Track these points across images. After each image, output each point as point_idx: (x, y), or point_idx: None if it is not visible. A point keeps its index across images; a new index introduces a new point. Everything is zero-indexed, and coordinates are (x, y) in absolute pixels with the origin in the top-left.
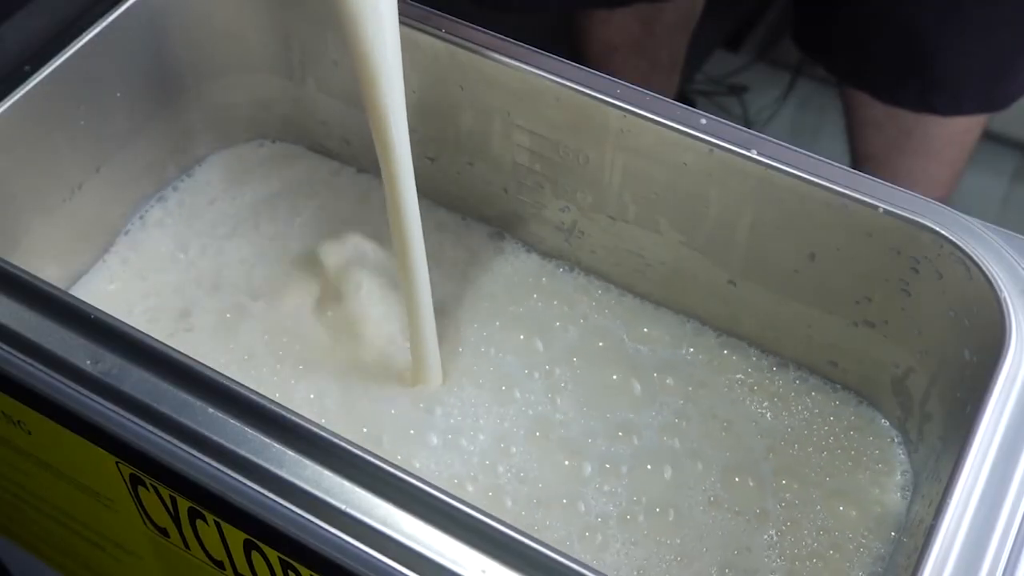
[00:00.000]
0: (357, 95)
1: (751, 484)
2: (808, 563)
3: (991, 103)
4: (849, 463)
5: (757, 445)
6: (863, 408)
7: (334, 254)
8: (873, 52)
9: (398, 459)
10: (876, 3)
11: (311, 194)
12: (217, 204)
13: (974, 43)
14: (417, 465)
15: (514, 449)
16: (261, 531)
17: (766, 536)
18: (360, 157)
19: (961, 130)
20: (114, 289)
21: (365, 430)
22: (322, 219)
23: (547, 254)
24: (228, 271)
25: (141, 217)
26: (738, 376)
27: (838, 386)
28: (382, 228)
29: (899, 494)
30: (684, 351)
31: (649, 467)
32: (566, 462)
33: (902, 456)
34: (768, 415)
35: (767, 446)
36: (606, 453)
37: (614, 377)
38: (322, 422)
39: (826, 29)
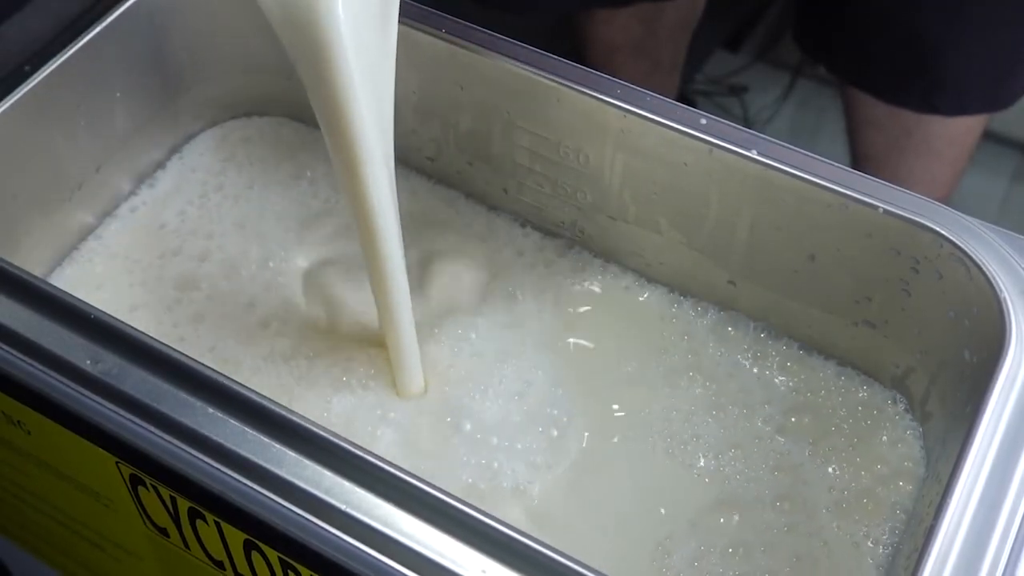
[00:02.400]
0: None
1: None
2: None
3: (994, 103)
4: (868, 421)
5: (774, 398)
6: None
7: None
8: (875, 52)
9: None
10: (878, 4)
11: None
12: (209, 182)
13: (977, 43)
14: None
15: (519, 446)
16: (261, 531)
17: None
18: None
19: (962, 130)
20: (104, 272)
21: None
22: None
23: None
24: (216, 256)
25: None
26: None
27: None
28: None
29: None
30: (686, 331)
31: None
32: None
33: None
34: (778, 380)
35: (782, 399)
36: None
37: (608, 357)
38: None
39: (828, 30)
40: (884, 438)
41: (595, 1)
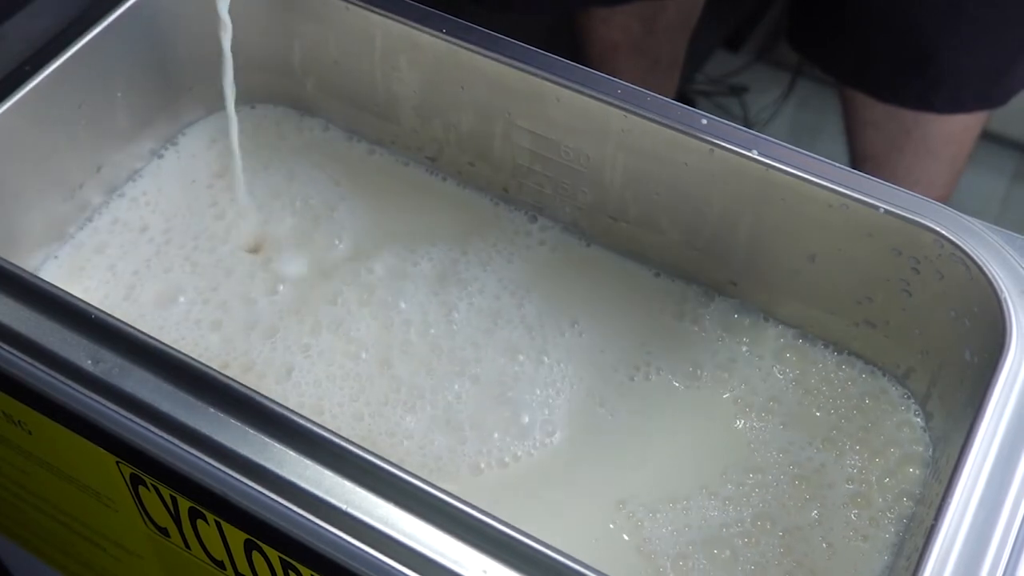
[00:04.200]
0: (358, 95)
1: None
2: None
3: (990, 99)
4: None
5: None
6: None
7: None
8: (872, 52)
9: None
10: (875, 3)
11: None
12: (207, 175)
13: (974, 42)
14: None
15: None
16: (262, 531)
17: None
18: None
19: (960, 128)
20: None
21: None
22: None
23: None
24: (218, 252)
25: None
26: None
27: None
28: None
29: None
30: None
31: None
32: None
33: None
34: (775, 368)
35: (784, 389)
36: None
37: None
38: None
39: (822, 30)
40: (890, 422)
41: (594, 0)
